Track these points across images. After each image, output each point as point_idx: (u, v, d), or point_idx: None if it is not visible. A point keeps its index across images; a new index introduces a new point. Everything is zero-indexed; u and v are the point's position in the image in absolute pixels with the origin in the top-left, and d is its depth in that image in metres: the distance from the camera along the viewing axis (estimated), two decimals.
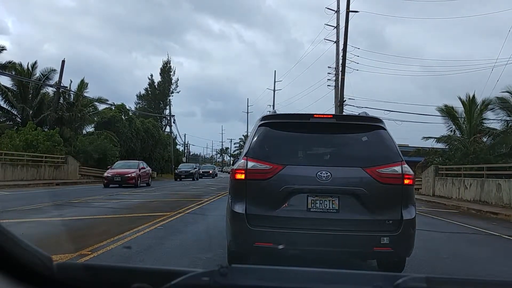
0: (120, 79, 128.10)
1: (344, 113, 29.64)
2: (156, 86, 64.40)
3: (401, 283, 1.14)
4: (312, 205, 4.31)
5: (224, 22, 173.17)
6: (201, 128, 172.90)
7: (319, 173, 4.30)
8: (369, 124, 4.79)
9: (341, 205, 4.30)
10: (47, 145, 25.95)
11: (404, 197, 4.39)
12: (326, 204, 4.31)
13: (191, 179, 35.80)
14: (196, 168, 39.98)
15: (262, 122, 4.75)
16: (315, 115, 4.77)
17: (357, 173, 4.36)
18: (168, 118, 56.99)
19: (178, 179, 35.40)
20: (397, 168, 4.37)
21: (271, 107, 60.69)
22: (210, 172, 49.52)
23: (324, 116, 4.85)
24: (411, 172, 4.50)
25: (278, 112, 5.19)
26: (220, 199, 15.58)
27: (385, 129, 4.70)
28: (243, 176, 4.45)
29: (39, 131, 26.59)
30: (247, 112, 78.35)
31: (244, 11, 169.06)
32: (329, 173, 4.29)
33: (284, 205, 4.33)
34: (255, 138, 4.64)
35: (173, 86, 65.20)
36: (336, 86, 34.33)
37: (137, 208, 11.27)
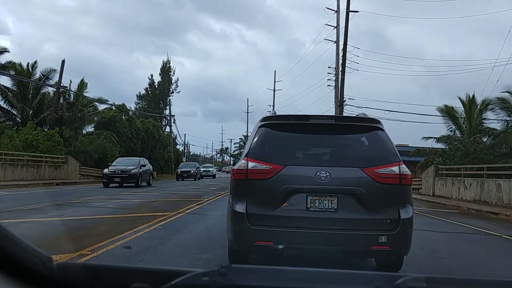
0: (121, 79, 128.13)
1: (344, 113, 29.88)
2: (156, 86, 64.43)
3: (401, 283, 1.14)
4: (312, 205, 4.36)
5: (225, 22, 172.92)
6: (201, 128, 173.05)
7: (318, 173, 4.35)
8: (367, 125, 4.84)
9: (339, 205, 4.35)
10: (47, 145, 25.95)
11: (402, 196, 4.44)
12: (325, 204, 4.36)
13: (133, 184, 22.40)
14: (145, 166, 24.88)
15: (262, 123, 4.81)
16: (314, 116, 4.86)
17: (356, 173, 4.41)
18: (168, 118, 57.07)
19: (110, 183, 22.10)
20: (395, 168, 4.43)
21: (271, 107, 60.77)
22: (191, 172, 37.21)
23: (323, 117, 5.01)
24: (409, 172, 4.55)
25: (278, 113, 5.25)
26: (219, 199, 15.57)
27: (383, 130, 4.74)
28: (244, 176, 4.50)
29: (39, 131, 26.59)
30: (247, 112, 78.50)
31: (245, 11, 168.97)
32: (328, 173, 4.34)
33: (284, 205, 4.37)
34: (256, 139, 4.69)
35: (173, 86, 65.25)
36: (336, 86, 34.33)
37: (137, 208, 11.28)
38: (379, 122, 4.88)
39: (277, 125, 4.83)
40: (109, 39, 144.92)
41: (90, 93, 35.24)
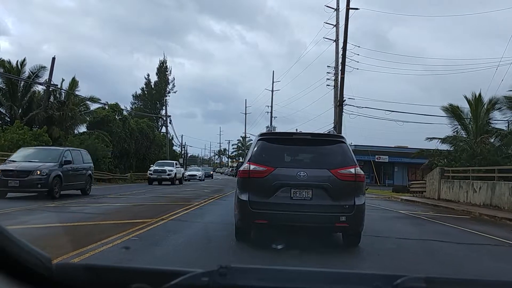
0: (121, 80, 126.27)
1: (343, 114, 29.04)
2: (153, 86, 63.33)
3: (400, 283, 1.16)
4: (294, 195, 6.02)
5: (226, 24, 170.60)
6: (201, 129, 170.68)
7: (298, 173, 6.03)
8: (334, 139, 6.91)
9: (313, 195, 6.01)
10: (34, 144, 24.73)
11: (357, 189, 6.14)
12: (303, 194, 6.02)
13: None
14: None
15: (260, 137, 6.69)
16: (296, 133, 7.35)
17: (325, 173, 6.07)
18: (164, 119, 55.87)
19: None
20: (352, 170, 6.13)
21: (269, 107, 59.71)
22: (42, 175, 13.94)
23: (303, 134, 7.21)
24: (362, 173, 6.29)
25: (272, 131, 7.41)
26: (212, 202, 14.46)
27: (345, 143, 6.56)
28: (247, 175, 6.15)
29: (25, 130, 25.42)
30: (245, 113, 77.26)
31: (246, 12, 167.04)
32: (305, 173, 6.03)
33: (275, 195, 6.01)
34: (255, 148, 6.43)
35: (169, 86, 64.21)
36: (335, 86, 33.24)
37: (117, 214, 10.11)
38: (342, 137, 6.88)
39: (271, 139, 6.74)
40: (109, 40, 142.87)
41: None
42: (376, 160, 44.53)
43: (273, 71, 77.19)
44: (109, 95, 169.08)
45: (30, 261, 1.13)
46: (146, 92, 63.67)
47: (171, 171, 29.31)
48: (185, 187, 25.89)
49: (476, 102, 22.57)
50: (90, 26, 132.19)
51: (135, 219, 8.96)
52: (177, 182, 29.93)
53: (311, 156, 6.62)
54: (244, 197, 6.04)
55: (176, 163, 32.33)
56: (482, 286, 1.39)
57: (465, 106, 23.44)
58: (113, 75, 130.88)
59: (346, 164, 6.13)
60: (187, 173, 42.63)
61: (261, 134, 6.89)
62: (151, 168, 30.19)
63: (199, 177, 42.79)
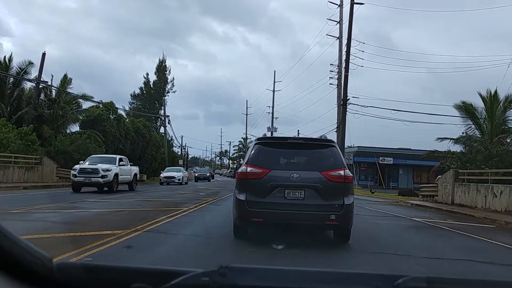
0: (123, 81, 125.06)
1: (347, 114, 27.64)
2: (152, 86, 61.90)
3: (401, 283, 1.15)
4: (288, 195, 6.59)
5: (228, 25, 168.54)
6: (203, 130, 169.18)
7: (292, 174, 6.62)
8: (325, 144, 7.24)
9: (306, 195, 6.58)
10: (19, 143, 23.29)
11: (346, 190, 6.69)
12: (296, 194, 6.60)
13: None
14: None
15: (257, 141, 7.26)
16: (290, 138, 7.82)
17: (316, 175, 6.63)
18: (163, 118, 54.39)
19: None
20: (341, 172, 6.72)
21: (270, 108, 58.19)
22: None
23: (296, 138, 8.40)
24: (350, 175, 6.91)
25: (273, 132, 8.58)
26: (203, 207, 12.88)
27: (335, 147, 7.19)
28: (244, 176, 6.79)
29: (10, 128, 23.94)
30: (246, 114, 75.65)
31: (249, 14, 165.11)
32: (298, 175, 6.60)
33: (270, 195, 6.57)
34: (252, 152, 7.02)
35: (168, 86, 62.73)
36: (339, 85, 31.71)
37: (85, 223, 8.55)
38: (333, 141, 7.57)
39: (267, 143, 7.23)
40: (112, 41, 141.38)
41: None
42: (381, 162, 42.92)
43: (275, 71, 75.24)
44: (111, 96, 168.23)
45: (30, 261, 1.12)
46: (145, 92, 62.20)
47: (108, 170, 19.13)
48: (179, 189, 24.32)
49: (491, 99, 21.01)
50: (93, 28, 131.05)
51: (104, 230, 7.41)
52: (126, 187, 21.14)
53: (304, 159, 7.11)
54: (242, 197, 6.58)
55: (120, 159, 21.36)
56: (482, 286, 1.40)
57: (479, 105, 21.90)
58: (116, 76, 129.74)
59: (336, 167, 6.68)
60: (163, 174, 34.63)
61: (258, 139, 7.39)
62: (76, 167, 20.03)
63: (179, 179, 32.89)
